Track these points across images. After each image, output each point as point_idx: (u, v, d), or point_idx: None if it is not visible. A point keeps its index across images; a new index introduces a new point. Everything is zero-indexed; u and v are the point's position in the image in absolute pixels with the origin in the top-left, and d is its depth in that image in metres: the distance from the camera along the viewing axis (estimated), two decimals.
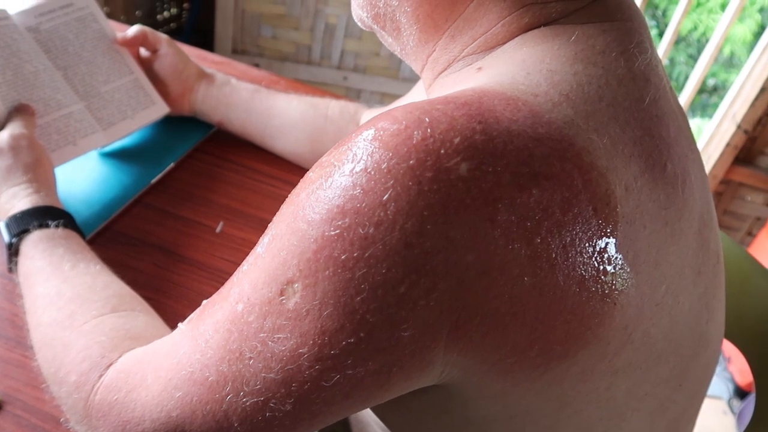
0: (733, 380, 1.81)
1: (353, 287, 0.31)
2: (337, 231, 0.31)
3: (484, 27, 0.39)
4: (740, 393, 1.78)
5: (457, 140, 0.30)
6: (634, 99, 0.36)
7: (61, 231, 0.56)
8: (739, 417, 1.70)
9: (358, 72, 2.25)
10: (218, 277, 0.66)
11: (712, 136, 2.01)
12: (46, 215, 0.56)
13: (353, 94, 2.28)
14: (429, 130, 0.31)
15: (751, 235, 2.14)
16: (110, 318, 0.47)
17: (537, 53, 0.36)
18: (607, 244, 0.33)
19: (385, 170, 0.30)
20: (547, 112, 0.33)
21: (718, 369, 1.84)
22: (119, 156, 0.77)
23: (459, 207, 0.30)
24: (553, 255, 0.31)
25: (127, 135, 0.76)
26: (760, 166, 2.02)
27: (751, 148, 1.98)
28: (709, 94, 2.90)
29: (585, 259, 0.32)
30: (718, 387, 1.79)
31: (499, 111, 0.32)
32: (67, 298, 0.49)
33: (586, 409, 0.37)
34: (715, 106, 2.04)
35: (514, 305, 0.31)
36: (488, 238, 0.30)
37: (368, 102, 2.26)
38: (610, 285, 0.33)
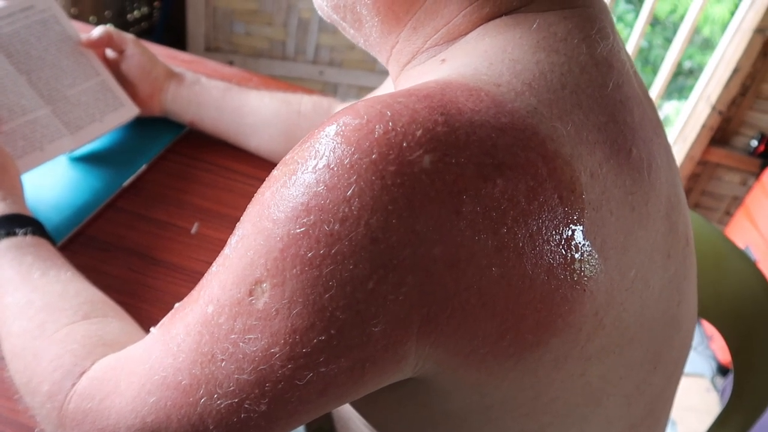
0: (715, 358, 1.84)
1: (321, 285, 0.30)
2: (303, 229, 0.30)
3: (445, 18, 0.38)
4: (723, 370, 1.80)
5: (419, 133, 0.30)
6: (597, 85, 0.36)
7: (29, 239, 0.55)
8: (723, 394, 1.73)
9: (333, 66, 2.24)
10: (195, 279, 0.65)
11: (689, 118, 2.03)
12: (13, 223, 0.55)
13: (330, 89, 2.26)
14: (391, 124, 0.30)
15: (729, 214, 2.18)
16: (82, 325, 0.47)
17: (499, 43, 0.36)
18: (573, 231, 0.33)
19: (347, 166, 0.30)
20: (509, 102, 0.33)
21: (701, 347, 1.87)
22: (89, 160, 0.76)
23: (424, 200, 0.30)
24: (520, 244, 0.31)
25: (97, 138, 0.75)
26: (736, 146, 2.05)
27: (726, 128, 2.01)
28: (686, 77, 2.93)
29: (552, 247, 0.32)
30: (701, 365, 1.82)
31: (462, 102, 0.32)
32: (37, 307, 0.48)
33: (562, 396, 0.37)
34: (692, 88, 2.07)
35: (483, 296, 0.31)
36: (454, 231, 0.30)
37: (345, 96, 2.25)
38: (578, 272, 0.33)
